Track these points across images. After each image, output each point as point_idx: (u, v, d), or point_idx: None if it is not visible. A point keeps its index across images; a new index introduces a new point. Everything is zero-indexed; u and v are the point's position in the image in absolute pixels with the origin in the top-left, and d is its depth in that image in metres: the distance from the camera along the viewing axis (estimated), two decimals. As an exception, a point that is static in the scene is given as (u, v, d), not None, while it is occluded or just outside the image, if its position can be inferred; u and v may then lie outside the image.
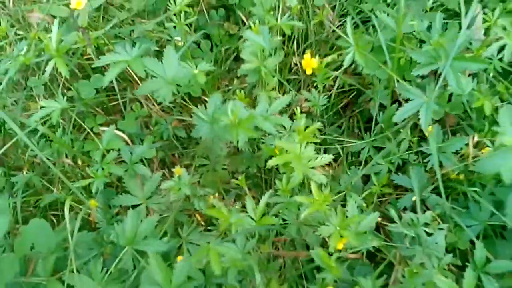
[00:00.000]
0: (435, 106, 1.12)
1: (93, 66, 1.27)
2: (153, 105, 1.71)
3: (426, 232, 1.15)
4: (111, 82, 1.51)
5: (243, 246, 1.11)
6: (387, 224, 1.36)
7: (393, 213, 1.20)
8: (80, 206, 1.39)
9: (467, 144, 1.25)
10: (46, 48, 1.20)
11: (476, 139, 1.22)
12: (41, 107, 1.25)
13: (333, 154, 1.66)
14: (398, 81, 1.31)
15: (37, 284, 1.15)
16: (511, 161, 1.03)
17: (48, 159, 1.48)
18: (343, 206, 1.22)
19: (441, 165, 1.29)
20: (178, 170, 1.24)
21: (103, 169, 1.21)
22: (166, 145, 1.70)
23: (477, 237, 1.27)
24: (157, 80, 1.21)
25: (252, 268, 1.04)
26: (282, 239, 1.23)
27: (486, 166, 1.10)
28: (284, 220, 1.29)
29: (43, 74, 1.58)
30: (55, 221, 1.42)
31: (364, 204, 1.40)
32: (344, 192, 1.42)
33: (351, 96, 1.82)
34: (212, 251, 1.02)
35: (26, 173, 1.44)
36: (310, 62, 1.44)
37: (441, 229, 1.14)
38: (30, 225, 1.10)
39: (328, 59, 1.51)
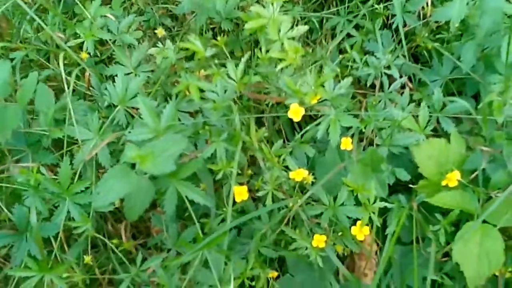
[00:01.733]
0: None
1: None
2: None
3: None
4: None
5: (223, 95, 1.23)
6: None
7: (354, 54, 1.31)
8: (77, 81, 1.51)
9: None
10: None
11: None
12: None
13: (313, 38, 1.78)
14: None
15: (40, 135, 1.28)
16: (458, 7, 1.14)
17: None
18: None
19: (405, 25, 1.39)
20: (160, 31, 1.34)
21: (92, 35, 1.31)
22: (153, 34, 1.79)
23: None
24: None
25: (231, 109, 1.16)
26: (261, 85, 1.33)
27: (439, 15, 1.21)
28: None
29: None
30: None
31: (339, 71, 1.51)
32: (320, 61, 1.53)
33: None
34: (192, 85, 1.15)
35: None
36: None
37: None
38: (29, 78, 1.21)
39: None
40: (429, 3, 1.31)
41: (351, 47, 1.57)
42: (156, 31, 1.39)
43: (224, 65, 1.61)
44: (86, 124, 1.29)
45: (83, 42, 1.34)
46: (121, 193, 0.99)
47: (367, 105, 1.21)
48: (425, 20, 1.38)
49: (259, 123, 1.55)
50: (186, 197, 1.11)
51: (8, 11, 1.54)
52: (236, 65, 1.31)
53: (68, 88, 1.27)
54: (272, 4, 1.25)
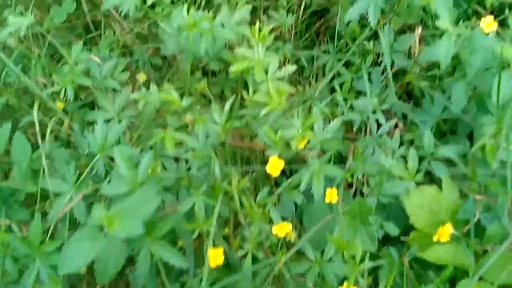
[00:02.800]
0: (382, 3, 1.17)
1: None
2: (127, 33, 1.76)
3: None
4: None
5: (204, 141, 1.18)
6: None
7: (340, 98, 1.25)
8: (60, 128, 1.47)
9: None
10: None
11: (420, 30, 1.26)
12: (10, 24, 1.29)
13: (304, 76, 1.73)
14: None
15: (14, 189, 1.23)
16: (445, 47, 1.09)
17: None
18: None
19: (393, 64, 1.34)
20: (142, 76, 1.30)
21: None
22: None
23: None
24: (121, -6, 1.27)
25: (211, 158, 1.11)
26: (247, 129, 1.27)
27: (427, 55, 1.16)
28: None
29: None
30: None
31: (329, 112, 1.45)
32: (309, 101, 1.48)
33: (322, 20, 1.85)
34: (168, 136, 1.10)
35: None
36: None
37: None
38: (3, 128, 1.17)
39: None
40: (417, 42, 1.26)
41: (341, 86, 1.53)
42: (138, 76, 1.34)
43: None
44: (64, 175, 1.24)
45: (62, 89, 1.30)
46: (90, 257, 0.93)
47: (355, 151, 1.15)
48: (414, 59, 1.33)
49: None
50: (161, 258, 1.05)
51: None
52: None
53: (44, 138, 1.22)
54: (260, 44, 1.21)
